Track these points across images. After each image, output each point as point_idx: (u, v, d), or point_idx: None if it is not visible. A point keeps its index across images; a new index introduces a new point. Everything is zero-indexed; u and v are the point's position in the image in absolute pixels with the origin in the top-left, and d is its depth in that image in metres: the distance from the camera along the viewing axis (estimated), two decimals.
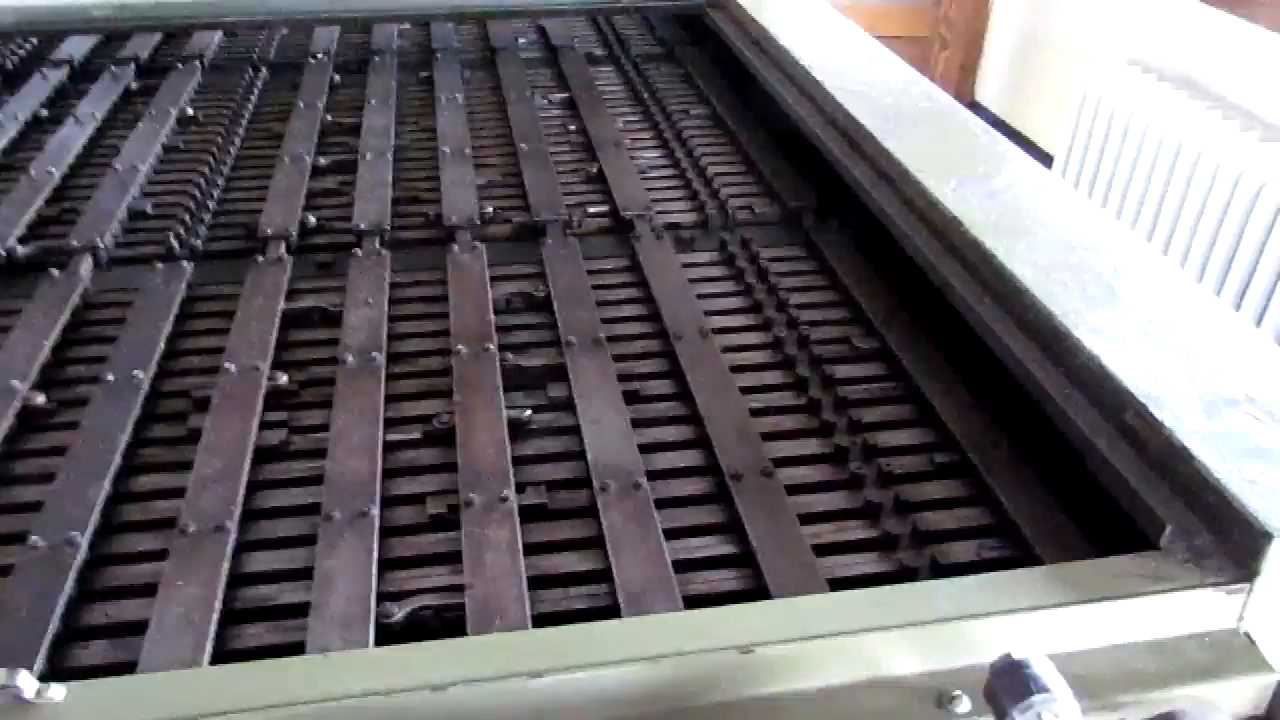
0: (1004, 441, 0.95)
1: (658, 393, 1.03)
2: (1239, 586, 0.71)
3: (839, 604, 0.70)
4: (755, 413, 0.99)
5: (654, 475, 0.91)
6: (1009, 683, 0.57)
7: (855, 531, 0.87)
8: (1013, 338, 0.96)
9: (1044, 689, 0.55)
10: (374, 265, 1.20)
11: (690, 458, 0.94)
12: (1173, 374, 0.85)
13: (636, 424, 0.97)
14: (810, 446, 0.96)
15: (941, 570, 0.82)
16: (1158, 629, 0.70)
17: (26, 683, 0.60)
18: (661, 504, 0.88)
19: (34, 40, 1.89)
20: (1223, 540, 0.73)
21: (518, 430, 0.96)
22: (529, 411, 0.98)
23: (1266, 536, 0.69)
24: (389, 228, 1.30)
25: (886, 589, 0.72)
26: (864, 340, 1.11)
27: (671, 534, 0.85)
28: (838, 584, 0.80)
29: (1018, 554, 0.84)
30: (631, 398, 1.01)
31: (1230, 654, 0.70)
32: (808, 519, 0.87)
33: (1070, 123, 3.11)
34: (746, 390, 1.03)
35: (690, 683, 0.64)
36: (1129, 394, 0.83)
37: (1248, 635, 0.71)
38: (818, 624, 0.67)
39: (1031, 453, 0.93)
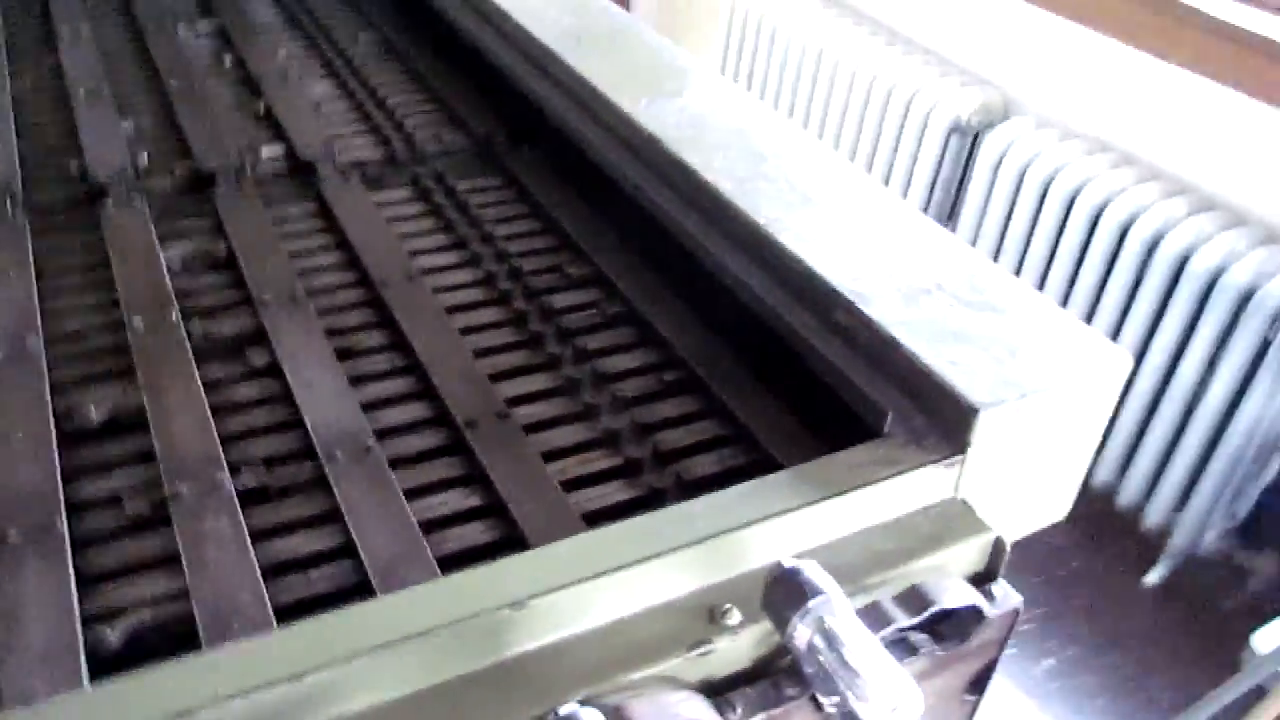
0: (727, 353, 0.97)
1: (371, 345, 0.96)
2: (954, 459, 0.76)
3: (600, 541, 0.68)
4: (479, 354, 0.95)
5: (383, 434, 0.85)
6: (785, 592, 0.58)
7: (599, 462, 0.86)
8: (721, 249, 0.98)
9: (818, 592, 0.57)
10: (7, 234, 1.03)
11: (418, 410, 0.89)
12: (871, 270, 0.90)
13: (354, 381, 0.90)
14: (540, 382, 0.94)
15: (687, 487, 0.83)
16: (892, 510, 0.75)
17: None
18: (396, 464, 0.82)
19: None
20: (936, 419, 0.78)
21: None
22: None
23: (973, 410, 0.75)
24: (20, 189, 1.11)
25: (643, 518, 0.71)
26: (576, 267, 1.10)
27: (412, 494, 0.80)
28: (591, 518, 0.79)
29: (756, 459, 0.86)
30: (344, 354, 0.94)
31: (952, 521, 0.76)
32: (550, 456, 0.85)
33: (721, 39, 3.24)
34: (466, 331, 0.98)
35: (467, 650, 0.60)
36: (837, 293, 0.87)
37: (964, 502, 0.77)
38: (583, 565, 0.65)
39: (754, 361, 0.95)
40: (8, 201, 1.08)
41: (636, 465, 0.86)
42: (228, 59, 1.48)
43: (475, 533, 0.78)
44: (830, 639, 0.57)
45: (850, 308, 0.86)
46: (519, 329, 1.00)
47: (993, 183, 2.44)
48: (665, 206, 1.05)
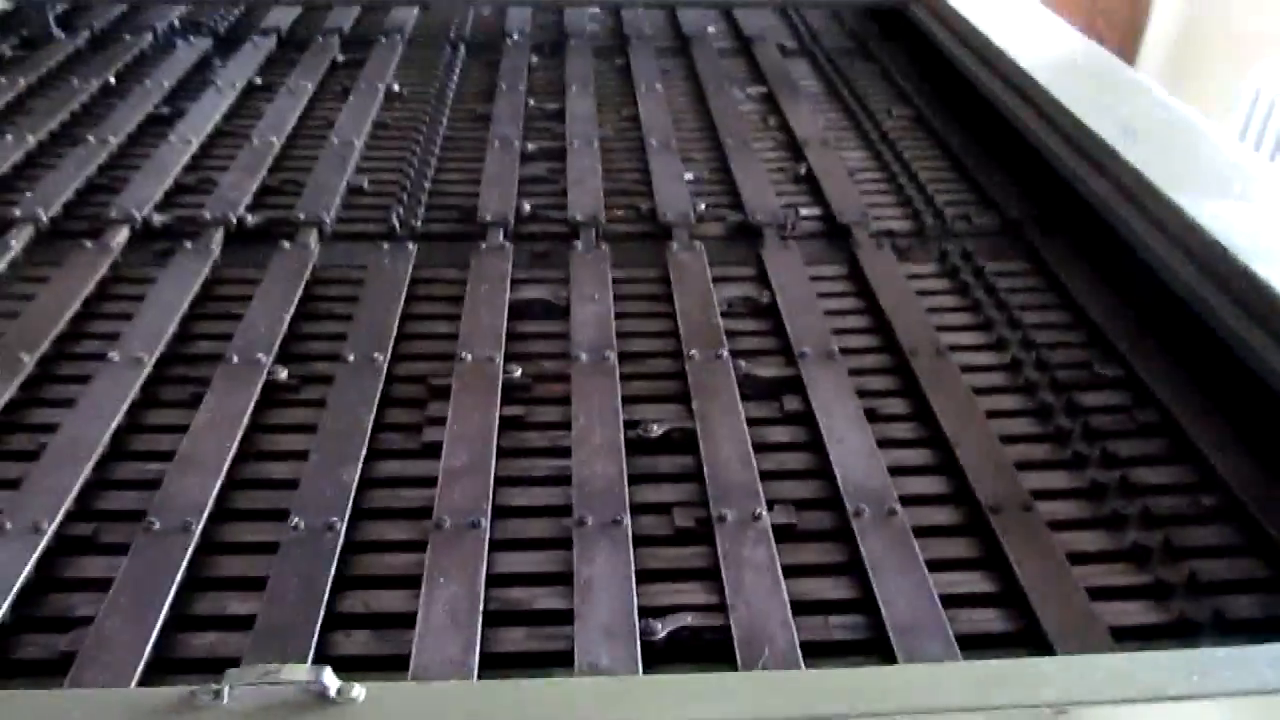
0: (1277, 484, 0.89)
1: (898, 412, 1.00)
2: None
3: (1147, 665, 0.65)
4: (1004, 439, 0.95)
5: (906, 501, 0.88)
6: None
7: (1125, 575, 0.82)
8: None
9: None
10: (594, 260, 1.19)
11: (941, 484, 0.91)
12: None
13: (881, 444, 0.94)
14: (1065, 479, 0.92)
15: (1228, 627, 0.77)
16: None
17: (330, 680, 0.60)
18: (918, 532, 0.84)
19: (241, 7, 1.94)
20: None
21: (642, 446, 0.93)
22: (654, 426, 0.95)
23: None
24: (604, 220, 1.28)
25: (1194, 652, 0.67)
26: (1107, 365, 1.06)
27: (933, 565, 0.81)
28: (1117, 634, 0.76)
29: None
30: (871, 415, 0.98)
31: None
32: (1074, 559, 0.82)
33: (1239, 124, 2.94)
34: (990, 414, 0.98)
35: None
36: None
37: None
38: (1127, 685, 0.63)
39: None
40: (594, 232, 1.25)
41: (1168, 589, 0.81)
42: (773, 121, 1.61)
43: (992, 619, 0.78)
44: None
45: None
46: (1044, 421, 0.99)
47: None
48: (1225, 318, 0.98)
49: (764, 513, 0.85)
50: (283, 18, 1.90)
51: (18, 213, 1.23)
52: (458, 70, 1.75)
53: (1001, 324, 1.13)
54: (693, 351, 1.04)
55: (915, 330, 1.10)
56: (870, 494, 0.87)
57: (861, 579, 0.80)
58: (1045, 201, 1.34)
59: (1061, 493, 0.90)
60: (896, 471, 0.91)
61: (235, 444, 0.91)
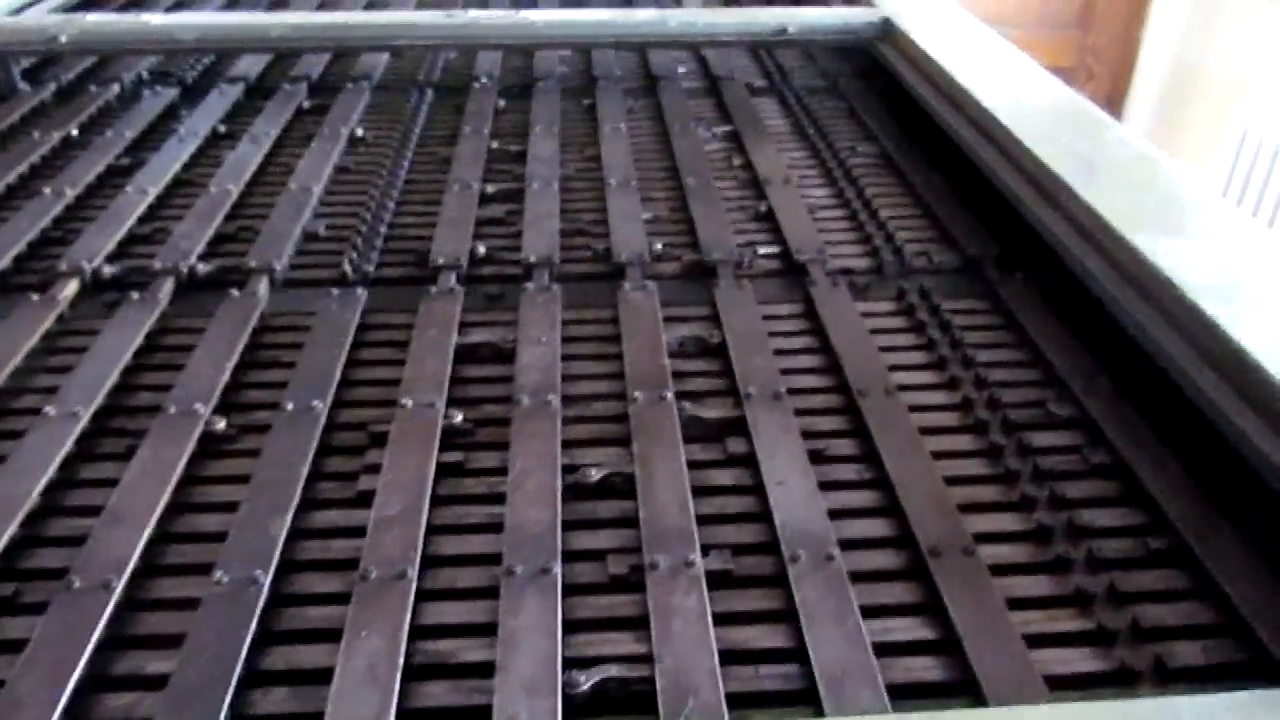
0: (1227, 528, 0.87)
1: (843, 453, 0.98)
2: None
3: (1083, 715, 0.63)
4: (949, 480, 0.93)
5: (846, 545, 0.86)
6: None
7: (1067, 622, 0.80)
8: (1244, 418, 0.88)
9: None
10: (545, 301, 1.18)
11: (883, 527, 0.89)
12: None
13: (823, 486, 0.92)
14: (1010, 522, 0.90)
15: (1169, 675, 0.75)
16: None
17: None
18: (855, 577, 0.82)
19: (212, 56, 1.95)
20: None
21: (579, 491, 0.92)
22: (593, 471, 0.94)
23: None
24: (558, 262, 1.27)
25: (1123, 703, 0.65)
26: (1060, 405, 1.04)
27: (868, 612, 0.79)
28: (1054, 682, 0.74)
29: (1253, 657, 0.76)
30: (816, 457, 0.96)
31: None
32: (1014, 604, 0.81)
33: (1227, 163, 2.95)
34: (938, 455, 0.97)
35: None
36: None
37: None
38: None
39: (1260, 541, 0.84)
40: (547, 273, 1.25)
41: (1110, 635, 0.79)
42: (737, 160, 1.60)
43: (926, 667, 0.76)
44: None
45: None
46: (993, 462, 0.97)
47: None
48: (1177, 359, 0.96)
49: (698, 559, 0.83)
50: (252, 66, 1.91)
51: None
52: (424, 114, 1.76)
53: (955, 363, 1.11)
54: (637, 394, 1.03)
55: (866, 369, 1.08)
56: (809, 538, 0.86)
57: (795, 626, 0.78)
58: (1006, 239, 1.33)
59: (1006, 535, 0.88)
60: (838, 514, 0.89)
61: (165, 497, 0.90)
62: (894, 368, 1.10)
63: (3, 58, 1.77)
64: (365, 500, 0.90)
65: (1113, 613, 0.80)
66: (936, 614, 0.80)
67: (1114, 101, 5.10)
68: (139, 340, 1.11)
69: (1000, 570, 0.84)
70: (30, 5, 1.89)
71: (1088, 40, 5.11)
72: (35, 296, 1.18)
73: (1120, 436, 0.98)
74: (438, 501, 0.91)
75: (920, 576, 0.83)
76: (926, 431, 1.00)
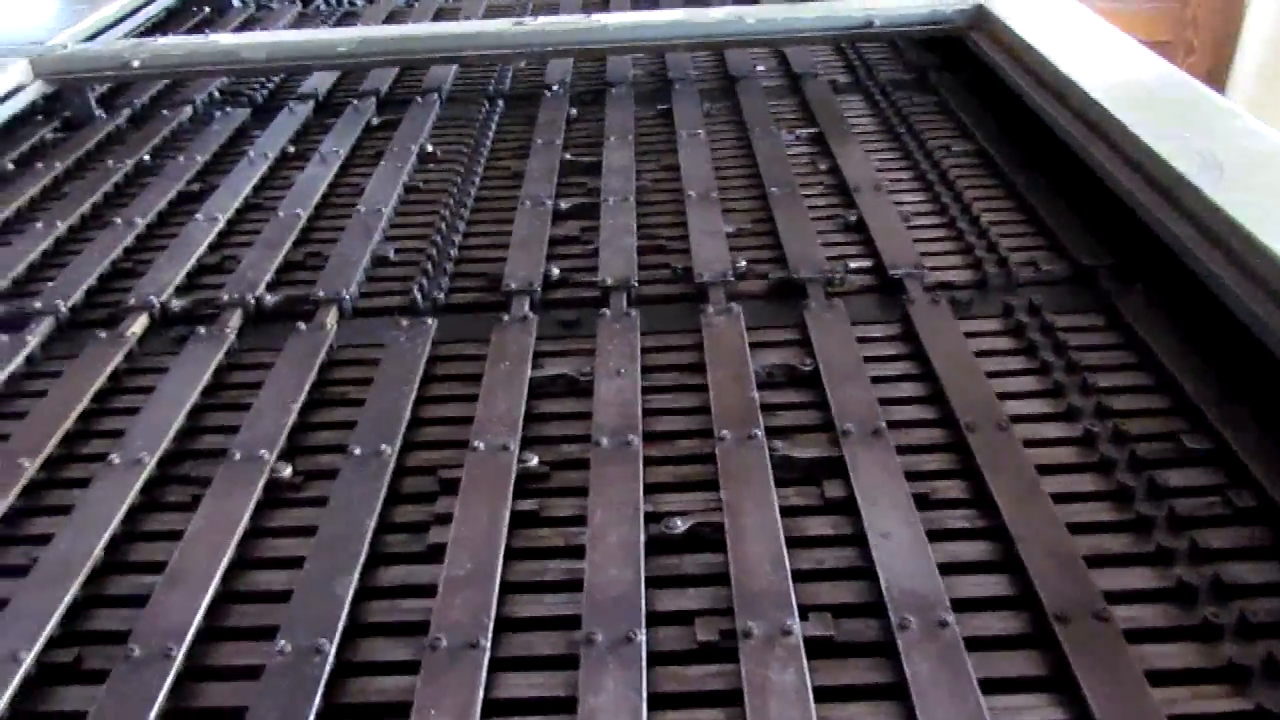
0: None
1: (952, 496, 0.89)
2: None
3: None
4: (1073, 528, 0.84)
5: (960, 605, 0.77)
6: None
7: (1219, 700, 0.71)
8: None
9: None
10: (623, 329, 1.11)
11: (1000, 585, 0.80)
12: None
13: (932, 535, 0.84)
14: (1146, 578, 0.80)
15: None
16: None
17: None
18: (971, 645, 0.74)
19: (281, 75, 1.93)
20: None
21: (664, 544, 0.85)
22: (678, 521, 0.86)
23: None
24: (636, 284, 1.20)
25: None
26: (1195, 438, 0.94)
27: (987, 686, 0.71)
28: None
29: None
30: (922, 502, 0.88)
31: None
32: (1156, 678, 0.71)
33: None
34: (1058, 498, 0.87)
35: None
36: None
37: None
38: None
39: None
40: (624, 297, 1.18)
41: (1269, 718, 0.69)
42: (823, 165, 1.51)
43: None
44: None
45: None
46: (1122, 506, 0.87)
47: None
48: None
49: (795, 625, 0.75)
50: (321, 82, 1.87)
51: (38, 305, 1.21)
52: (494, 126, 1.70)
53: (1072, 389, 1.01)
54: (724, 432, 0.95)
55: (973, 399, 0.99)
56: (918, 600, 0.77)
57: (906, 705, 0.70)
58: (1122, 247, 1.22)
59: (1142, 595, 0.79)
60: (949, 569, 0.81)
61: (229, 553, 0.85)
62: (1004, 396, 1.00)
63: (79, 85, 1.76)
64: (436, 555, 0.85)
65: (1272, 690, 0.70)
66: (1067, 690, 0.71)
67: (1214, 75, 4.84)
68: (206, 378, 1.08)
69: (1137, 636, 0.75)
70: (102, 32, 1.89)
71: (1186, 13, 4.86)
72: (103, 333, 1.16)
73: (1269, 474, 0.87)
74: (512, 555, 0.85)
75: (1046, 645, 0.74)
76: (1044, 470, 0.90)
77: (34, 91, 1.71)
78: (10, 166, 1.60)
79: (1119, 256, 1.21)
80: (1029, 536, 0.83)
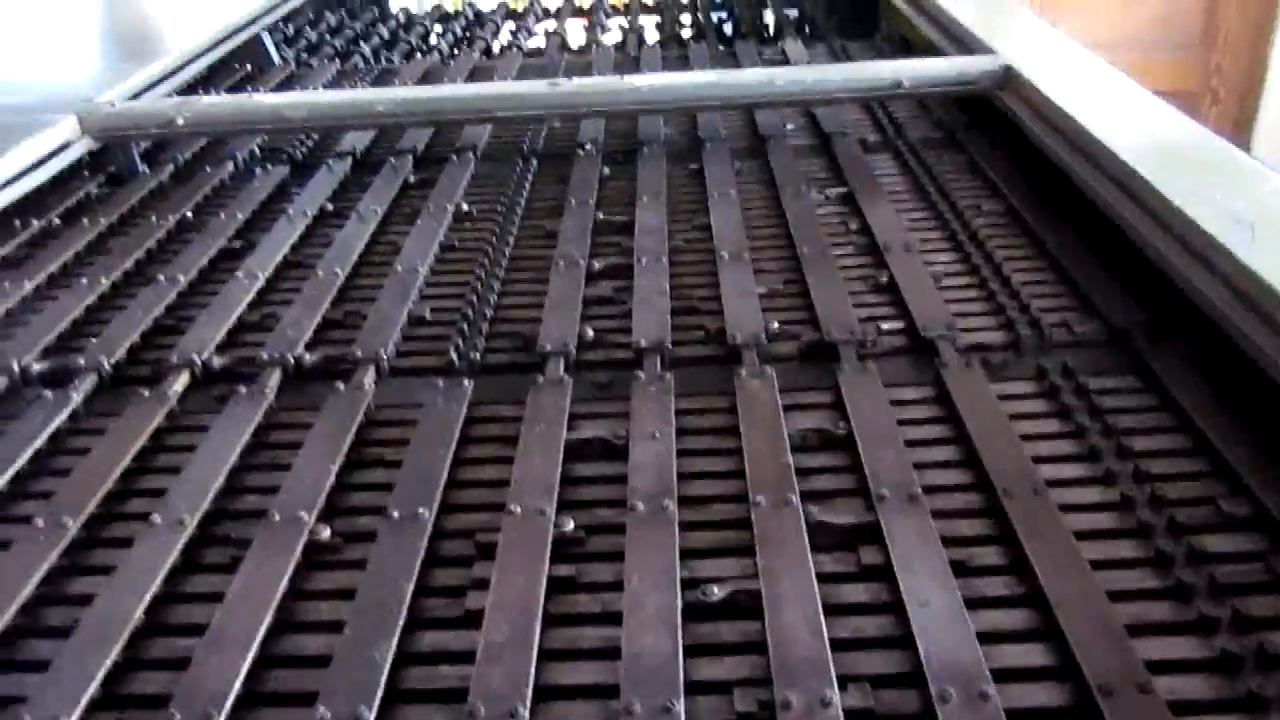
0: None
1: (989, 563, 0.89)
2: None
3: None
4: (1113, 596, 0.83)
5: (1000, 677, 0.77)
6: None
7: None
8: None
9: None
10: (658, 391, 1.12)
11: (1041, 654, 0.80)
12: None
13: (970, 604, 0.83)
14: (1189, 648, 0.80)
15: None
16: None
17: None
18: (1013, 718, 0.73)
19: (320, 132, 1.97)
20: None
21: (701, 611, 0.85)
22: (715, 589, 0.86)
23: None
24: (670, 345, 1.22)
25: None
26: (1235, 503, 0.93)
27: None
28: None
29: None
30: (959, 568, 0.87)
31: None
32: None
33: None
34: (1097, 565, 0.87)
35: None
36: None
37: None
38: None
39: None
40: (659, 359, 1.19)
41: None
42: (854, 224, 1.53)
43: None
44: None
45: None
46: (1162, 573, 0.87)
47: None
48: None
49: (834, 697, 0.75)
50: (358, 140, 1.91)
51: (82, 361, 1.23)
52: (528, 185, 1.73)
53: (1108, 453, 1.01)
54: (759, 497, 0.95)
55: (1009, 463, 0.99)
56: (958, 670, 0.77)
57: None
58: (1155, 307, 1.22)
59: (1186, 665, 0.78)
60: (988, 639, 0.80)
61: (269, 616, 0.86)
62: (1039, 459, 1.00)
63: (124, 142, 1.81)
64: (474, 620, 0.85)
65: None
66: None
67: (1241, 125, 4.83)
68: (246, 438, 1.09)
69: (1183, 709, 0.74)
70: (148, 89, 1.94)
71: (1211, 61, 4.87)
72: (146, 392, 1.18)
73: None
74: (549, 622, 0.85)
75: (1091, 719, 0.74)
76: (1082, 536, 0.90)
77: (81, 148, 1.75)
78: (57, 221, 1.64)
79: (1152, 314, 1.21)
80: (1068, 604, 0.82)
